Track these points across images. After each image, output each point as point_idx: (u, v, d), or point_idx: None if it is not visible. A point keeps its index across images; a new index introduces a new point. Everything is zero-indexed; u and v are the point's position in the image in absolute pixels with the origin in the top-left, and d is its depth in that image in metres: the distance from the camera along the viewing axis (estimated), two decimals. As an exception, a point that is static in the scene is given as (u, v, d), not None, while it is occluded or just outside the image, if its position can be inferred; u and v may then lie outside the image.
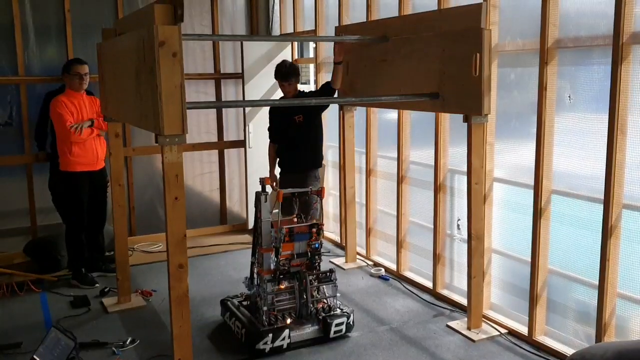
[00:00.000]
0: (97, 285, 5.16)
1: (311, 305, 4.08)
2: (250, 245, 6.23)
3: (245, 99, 6.45)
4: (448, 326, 4.27)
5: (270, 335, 3.84)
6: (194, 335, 3.48)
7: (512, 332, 4.10)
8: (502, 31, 4.09)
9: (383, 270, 5.39)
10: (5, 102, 5.78)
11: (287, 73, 4.94)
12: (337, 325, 4.04)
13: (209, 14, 6.63)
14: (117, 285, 4.80)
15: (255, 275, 4.17)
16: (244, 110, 6.52)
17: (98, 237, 5.43)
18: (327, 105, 5.22)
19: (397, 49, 4.42)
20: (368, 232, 5.72)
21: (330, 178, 6.41)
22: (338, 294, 4.19)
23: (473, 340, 4.04)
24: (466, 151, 4.02)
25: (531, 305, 3.94)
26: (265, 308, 3.94)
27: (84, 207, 5.18)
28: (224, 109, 6.82)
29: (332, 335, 4.03)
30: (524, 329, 4.03)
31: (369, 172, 5.62)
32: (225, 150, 6.88)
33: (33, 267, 5.40)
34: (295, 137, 5.04)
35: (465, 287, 4.27)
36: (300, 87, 5.24)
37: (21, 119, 5.81)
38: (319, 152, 5.24)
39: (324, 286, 4.16)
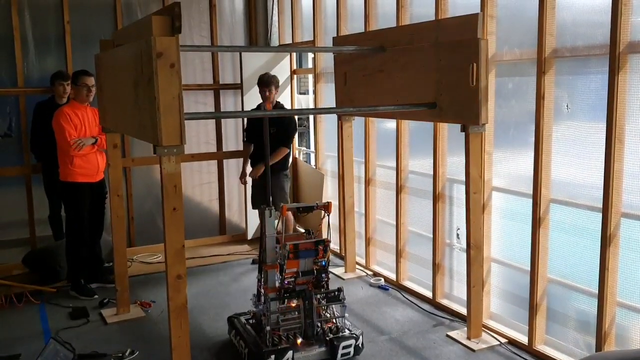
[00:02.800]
0: (96, 296, 5.15)
1: (318, 326, 3.92)
2: (250, 256, 6.26)
3: (244, 110, 6.47)
4: (448, 336, 4.26)
5: (273, 356, 3.68)
6: (192, 346, 3.47)
7: (512, 342, 4.09)
8: (500, 41, 4.11)
9: (382, 280, 5.38)
10: (4, 114, 5.81)
11: (268, 81, 5.53)
12: (344, 347, 3.86)
13: (207, 24, 6.66)
14: (116, 296, 4.79)
15: (262, 293, 4.04)
16: (243, 120, 6.54)
17: (95, 247, 5.43)
18: (292, 134, 5.85)
19: (394, 59, 4.44)
20: (367, 241, 5.72)
21: (329, 188, 6.41)
22: (346, 314, 4.03)
23: (473, 350, 4.03)
24: (464, 160, 4.02)
25: (531, 315, 3.93)
26: (268, 327, 3.78)
27: (84, 218, 5.18)
28: (223, 120, 6.84)
29: (339, 358, 3.86)
30: (524, 339, 4.01)
31: (367, 182, 5.63)
32: (225, 161, 6.88)
33: (32, 279, 5.39)
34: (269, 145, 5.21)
35: (464, 297, 4.26)
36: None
37: (20, 130, 5.82)
38: (286, 158, 5.79)
39: (332, 306, 4.00)
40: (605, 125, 3.33)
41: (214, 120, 6.78)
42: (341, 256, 5.92)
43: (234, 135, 6.91)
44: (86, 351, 4.05)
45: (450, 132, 4.60)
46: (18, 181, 5.87)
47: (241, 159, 6.70)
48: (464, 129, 3.92)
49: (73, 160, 5.01)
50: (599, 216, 3.42)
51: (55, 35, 5.96)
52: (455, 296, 4.72)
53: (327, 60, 6.07)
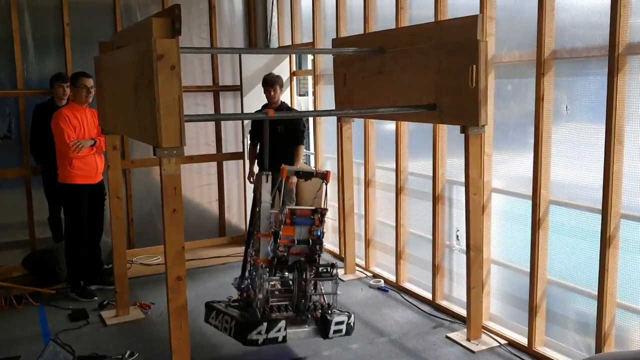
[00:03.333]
0: (95, 298, 5.14)
1: (309, 303, 3.79)
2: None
3: (244, 112, 6.47)
4: (447, 337, 4.26)
5: (265, 324, 3.54)
6: (192, 348, 3.47)
7: (511, 343, 4.09)
8: (499, 43, 4.11)
9: (382, 281, 5.38)
10: (4, 115, 5.81)
11: (273, 81, 5.66)
12: (336, 324, 3.74)
13: (207, 26, 6.66)
14: (115, 298, 4.79)
15: (247, 270, 3.93)
16: (243, 122, 6.54)
17: (95, 249, 5.43)
18: (303, 130, 5.74)
19: (394, 61, 4.44)
20: (367, 243, 5.72)
21: (328, 189, 6.41)
22: (339, 292, 3.93)
23: (473, 352, 4.03)
24: (464, 162, 4.02)
25: (530, 316, 3.93)
26: (260, 296, 3.62)
27: (84, 220, 5.18)
28: (222, 122, 6.84)
29: (330, 334, 3.74)
30: (523, 340, 4.02)
31: (367, 183, 5.63)
32: (224, 162, 6.88)
33: (31, 280, 5.39)
34: (277, 143, 5.24)
35: (464, 298, 4.26)
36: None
37: (20, 132, 5.82)
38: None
39: (324, 282, 3.88)
40: (604, 127, 3.33)
41: (213, 122, 6.78)
42: (341, 258, 5.92)
43: (233, 137, 6.91)
44: (86, 353, 4.05)
45: (449, 133, 4.60)
46: (18, 183, 5.87)
47: (240, 161, 6.73)
48: (463, 130, 3.93)
49: (72, 162, 5.01)
50: (598, 217, 3.42)
51: (55, 37, 5.96)
52: (455, 298, 4.72)
53: (326, 62, 6.08)
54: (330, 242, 6.41)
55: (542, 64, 3.68)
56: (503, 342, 4.12)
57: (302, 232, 3.82)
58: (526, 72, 3.92)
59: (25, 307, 4.97)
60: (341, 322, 3.76)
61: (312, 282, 3.85)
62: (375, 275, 5.56)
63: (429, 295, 4.89)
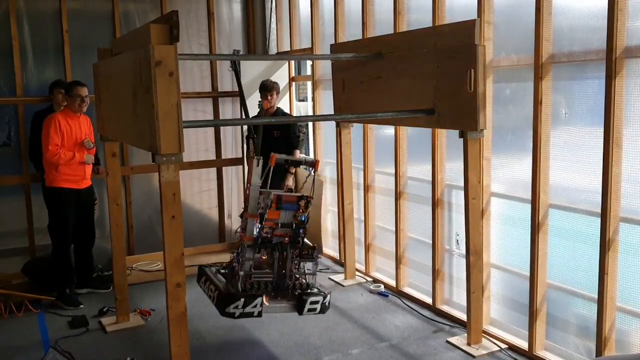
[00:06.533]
0: (81, 306, 5.13)
1: (289, 281, 3.98)
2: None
3: (243, 117, 6.47)
4: (448, 342, 4.25)
5: (242, 299, 3.72)
6: (192, 354, 3.46)
7: (512, 347, 4.08)
8: (497, 47, 4.12)
9: (382, 286, 5.37)
10: (3, 123, 5.81)
11: (271, 86, 5.85)
12: (312, 303, 3.91)
13: (206, 32, 6.68)
14: (115, 305, 4.78)
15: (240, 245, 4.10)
16: (242, 128, 6.54)
17: (89, 254, 5.44)
18: (299, 134, 5.91)
19: (392, 66, 4.45)
20: (367, 248, 5.71)
21: (328, 194, 6.42)
22: (317, 274, 4.13)
23: (473, 356, 4.02)
24: (463, 166, 4.02)
25: (531, 320, 3.92)
26: (242, 273, 3.84)
27: (69, 225, 5.18)
28: (221, 127, 6.85)
29: (305, 312, 3.91)
30: (524, 344, 4.01)
31: (366, 188, 5.63)
32: (224, 168, 6.89)
33: (31, 287, 5.38)
34: (274, 146, 5.27)
35: (464, 303, 4.25)
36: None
37: (19, 140, 5.83)
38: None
39: (305, 263, 4.06)
40: (602, 130, 3.34)
41: (212, 128, 6.78)
42: (341, 263, 5.92)
43: (232, 143, 6.91)
44: (86, 360, 4.05)
45: (448, 137, 4.60)
46: (17, 190, 5.86)
47: (240, 167, 6.74)
48: (462, 135, 3.93)
49: (58, 167, 5.03)
50: (597, 221, 3.42)
51: (54, 44, 5.97)
52: (455, 302, 4.71)
53: (325, 67, 6.08)
54: (330, 247, 6.41)
55: (540, 67, 3.69)
56: (503, 346, 4.11)
57: (287, 216, 3.97)
58: (524, 76, 3.92)
59: (25, 314, 4.96)
60: (316, 302, 3.93)
61: (295, 262, 4.03)
62: (375, 280, 5.55)
63: (429, 300, 4.88)
